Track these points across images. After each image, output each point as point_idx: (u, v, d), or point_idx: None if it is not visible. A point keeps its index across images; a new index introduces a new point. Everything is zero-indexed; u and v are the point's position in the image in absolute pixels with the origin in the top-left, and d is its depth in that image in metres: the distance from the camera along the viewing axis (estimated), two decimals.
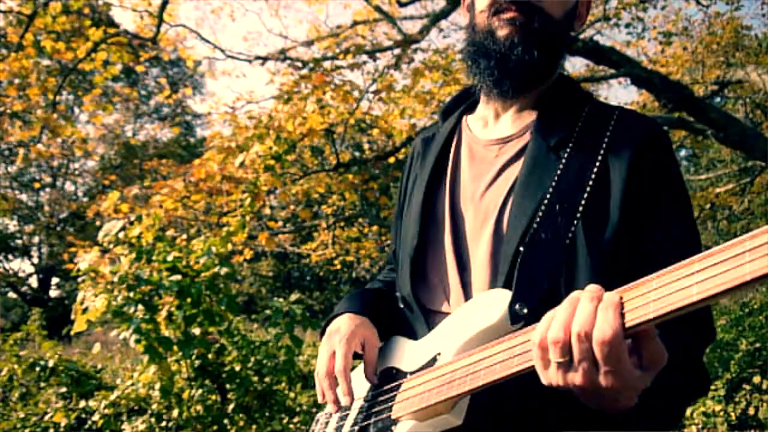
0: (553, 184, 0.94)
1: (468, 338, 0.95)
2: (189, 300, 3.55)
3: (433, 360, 1.00)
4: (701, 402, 5.66)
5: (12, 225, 23.14)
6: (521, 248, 0.92)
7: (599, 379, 0.68)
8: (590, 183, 0.93)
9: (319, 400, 1.10)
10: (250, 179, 5.03)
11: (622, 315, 0.66)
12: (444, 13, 7.67)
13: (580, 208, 0.92)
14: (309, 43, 8.21)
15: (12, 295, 24.11)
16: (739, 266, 0.56)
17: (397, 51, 7.23)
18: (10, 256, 23.80)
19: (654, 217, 0.93)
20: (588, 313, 0.68)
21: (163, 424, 3.69)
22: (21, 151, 7.55)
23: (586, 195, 0.92)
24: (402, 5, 7.61)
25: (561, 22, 1.04)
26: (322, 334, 1.17)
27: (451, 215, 1.08)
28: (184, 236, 4.75)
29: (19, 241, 23.89)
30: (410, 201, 1.18)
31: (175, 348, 3.51)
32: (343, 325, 1.10)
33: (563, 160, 0.96)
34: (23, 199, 22.81)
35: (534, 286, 0.89)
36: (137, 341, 3.37)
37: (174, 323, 3.54)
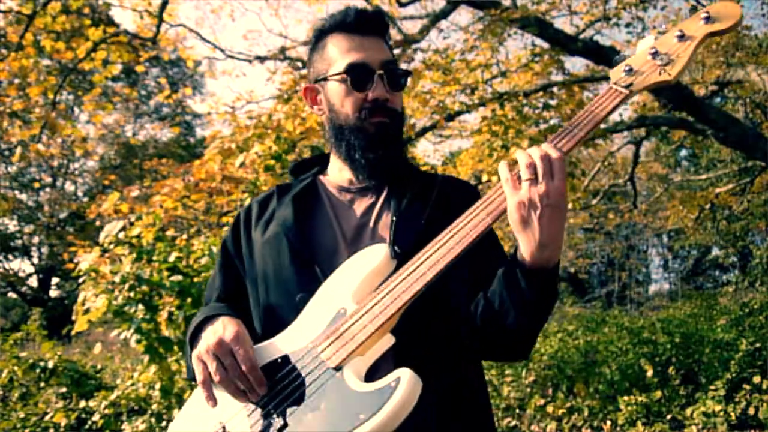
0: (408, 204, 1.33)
1: (360, 281, 1.17)
2: (189, 300, 3.55)
3: (339, 314, 1.17)
4: (701, 402, 5.67)
5: (12, 225, 23.14)
6: (393, 218, 1.28)
7: (554, 185, 1.06)
8: (429, 206, 1.33)
9: (211, 406, 1.17)
10: (250, 179, 5.03)
11: (558, 147, 1.13)
12: (444, 13, 7.67)
13: (427, 211, 1.31)
14: (309, 43, 8.20)
15: (12, 295, 24.10)
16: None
17: (397, 51, 7.22)
18: (10, 256, 23.81)
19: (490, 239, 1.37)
20: (542, 148, 1.11)
21: (164, 424, 3.69)
22: (18, 149, 7.53)
23: (430, 206, 1.32)
24: (402, 5, 7.61)
25: (403, 115, 1.39)
26: (192, 339, 1.26)
27: (347, 244, 1.31)
28: (184, 236, 4.74)
29: (19, 241, 23.89)
30: (270, 243, 1.36)
31: (176, 348, 3.51)
32: (229, 326, 1.21)
33: (407, 199, 1.34)
34: (23, 199, 22.81)
35: (404, 237, 1.24)
36: (138, 341, 3.37)
37: (174, 323, 3.54)
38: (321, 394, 1.12)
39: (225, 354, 1.16)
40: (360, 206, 1.36)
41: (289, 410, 1.13)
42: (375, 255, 1.20)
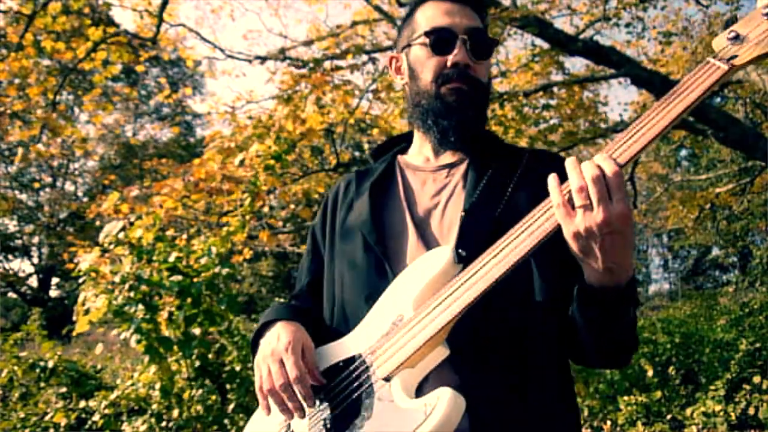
0: (486, 191, 1.24)
1: (422, 287, 1.09)
2: (189, 300, 3.55)
3: (396, 321, 1.11)
4: (701, 402, 5.66)
5: (12, 225, 23.13)
6: (462, 213, 1.20)
7: (614, 209, 0.92)
8: (510, 187, 1.24)
9: (266, 414, 1.18)
10: (250, 179, 5.03)
11: (614, 158, 0.95)
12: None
13: (506, 196, 1.22)
14: (309, 43, 8.21)
15: (12, 295, 24.09)
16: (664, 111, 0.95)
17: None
18: (10, 256, 23.81)
19: None
20: (593, 165, 0.94)
21: (164, 424, 3.69)
22: (20, 150, 7.53)
23: (508, 193, 1.22)
24: (402, 5, 7.60)
25: (487, 86, 1.33)
26: (254, 344, 1.27)
27: (415, 227, 1.25)
28: (184, 236, 4.74)
29: (19, 241, 23.89)
30: (346, 237, 1.34)
31: (176, 348, 3.51)
32: (283, 333, 1.19)
33: (486, 178, 1.25)
34: (23, 199, 22.80)
35: (471, 239, 1.16)
36: (138, 341, 3.37)
37: (174, 323, 3.54)
38: (369, 404, 1.10)
39: (275, 363, 1.16)
40: (433, 187, 1.30)
41: (341, 418, 1.12)
42: (438, 259, 1.12)
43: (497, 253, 1.02)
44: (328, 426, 1.13)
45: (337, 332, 1.25)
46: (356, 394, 1.11)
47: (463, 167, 1.30)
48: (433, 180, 1.31)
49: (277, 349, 1.17)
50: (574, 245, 0.97)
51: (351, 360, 1.16)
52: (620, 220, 0.92)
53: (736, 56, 0.93)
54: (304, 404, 1.14)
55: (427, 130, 1.31)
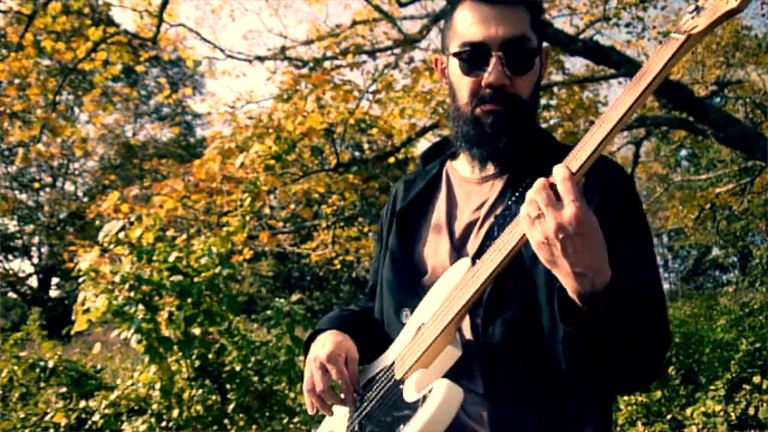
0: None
1: (444, 297, 1.10)
2: (189, 300, 3.55)
3: (418, 330, 1.14)
4: (701, 402, 5.67)
5: (12, 225, 23.14)
6: (492, 220, 1.18)
7: (567, 212, 0.90)
8: None
9: (311, 411, 1.23)
10: (250, 179, 5.03)
11: (567, 167, 0.94)
12: (444, 13, 7.66)
13: None
14: (309, 43, 8.21)
15: (12, 295, 24.10)
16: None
17: (397, 50, 7.22)
18: (10, 256, 23.80)
19: (625, 238, 1.10)
20: (542, 178, 0.95)
21: (164, 424, 3.69)
22: (20, 150, 7.54)
23: None
24: (402, 5, 7.61)
25: (530, 99, 1.21)
26: (306, 348, 1.32)
27: (450, 241, 1.24)
28: (184, 236, 4.74)
29: (19, 241, 23.89)
30: (386, 252, 1.35)
31: (176, 348, 3.51)
32: (328, 342, 1.23)
33: (525, 185, 1.16)
34: (23, 199, 22.81)
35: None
36: (138, 341, 3.37)
37: (174, 323, 3.54)
38: (388, 407, 1.13)
39: (318, 369, 1.21)
40: (477, 200, 1.25)
41: (368, 424, 1.17)
42: (460, 269, 1.13)
43: (488, 255, 1.03)
44: (356, 430, 1.19)
45: (382, 341, 1.28)
46: (382, 399, 1.15)
47: (506, 177, 1.24)
48: (478, 192, 1.26)
49: (320, 356, 1.21)
50: (540, 255, 0.95)
51: (383, 370, 1.21)
52: (574, 223, 0.89)
53: (696, 26, 0.91)
54: (342, 408, 1.20)
55: (465, 152, 1.27)
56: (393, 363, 1.17)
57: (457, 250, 1.21)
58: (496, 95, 1.16)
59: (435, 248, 1.25)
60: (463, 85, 1.20)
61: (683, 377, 6.43)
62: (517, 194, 1.16)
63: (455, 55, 1.19)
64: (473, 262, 1.09)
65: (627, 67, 6.63)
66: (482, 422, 1.10)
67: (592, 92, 7.58)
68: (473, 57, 1.17)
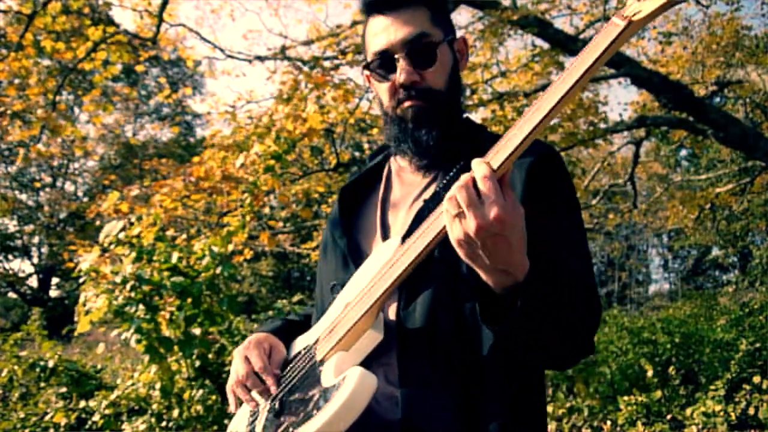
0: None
1: (372, 276, 1.10)
2: (190, 300, 3.55)
3: (343, 310, 1.15)
4: (701, 402, 5.67)
5: (12, 225, 23.14)
6: (422, 204, 1.18)
7: (486, 213, 0.90)
8: None
9: (233, 409, 1.26)
10: (250, 179, 5.03)
11: (487, 161, 0.94)
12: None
13: None
14: (309, 43, 8.21)
15: (12, 295, 24.09)
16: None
17: None
18: (10, 256, 23.80)
19: (552, 219, 1.13)
20: (466, 175, 0.94)
21: (164, 424, 3.69)
22: (21, 151, 7.54)
23: None
24: None
25: (448, 89, 1.26)
26: None
27: (382, 224, 1.29)
28: (184, 236, 4.74)
29: (19, 241, 23.88)
30: (324, 236, 1.40)
31: (176, 348, 3.51)
32: (251, 339, 1.30)
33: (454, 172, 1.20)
34: (23, 199, 22.80)
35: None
36: (138, 341, 3.37)
37: (175, 323, 3.54)
38: (306, 387, 1.13)
39: (239, 359, 1.25)
40: (410, 186, 1.31)
41: (288, 403, 1.16)
42: (388, 248, 1.14)
43: (414, 238, 1.05)
44: (277, 411, 1.18)
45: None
46: (301, 380, 1.17)
47: (437, 168, 1.29)
48: (413, 180, 1.32)
49: (240, 350, 1.27)
50: (459, 252, 0.96)
51: (306, 347, 1.22)
52: (495, 224, 0.89)
53: (639, 12, 0.86)
54: (267, 393, 1.20)
55: (397, 152, 1.33)
56: (317, 341, 1.19)
57: (388, 230, 1.27)
58: (411, 92, 1.23)
59: (370, 232, 1.30)
60: (383, 91, 1.28)
61: (683, 377, 6.43)
62: (447, 179, 1.17)
63: (368, 66, 1.28)
64: (402, 242, 1.10)
65: (627, 67, 6.63)
66: (395, 408, 1.10)
67: (592, 92, 7.57)
68: (382, 64, 1.25)
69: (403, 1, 1.25)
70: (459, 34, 1.38)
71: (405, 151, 1.28)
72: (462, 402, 1.08)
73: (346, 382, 1.02)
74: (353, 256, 1.26)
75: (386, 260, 1.10)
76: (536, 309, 0.97)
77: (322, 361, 1.13)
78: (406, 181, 1.33)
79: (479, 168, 0.92)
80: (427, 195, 1.24)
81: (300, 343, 1.27)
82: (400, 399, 1.10)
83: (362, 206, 1.36)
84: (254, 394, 1.22)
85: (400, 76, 1.22)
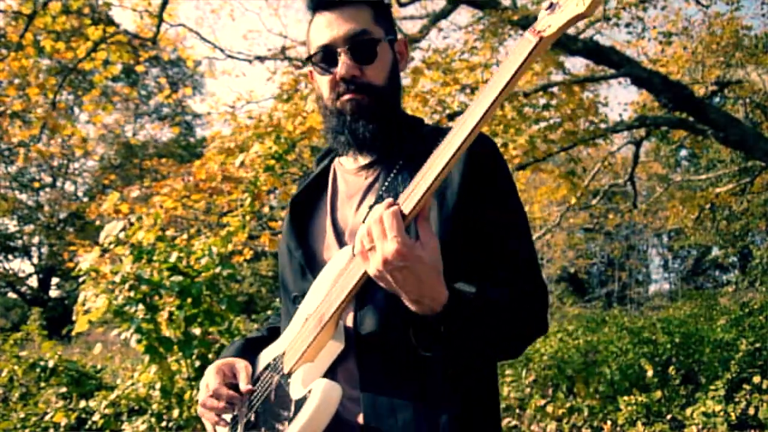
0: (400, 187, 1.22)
1: (328, 287, 1.14)
2: (189, 300, 3.55)
3: (306, 320, 1.18)
4: (701, 402, 5.67)
5: (12, 225, 23.14)
6: (368, 209, 1.20)
7: (389, 248, 0.96)
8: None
9: (210, 430, 1.30)
10: (250, 179, 5.03)
11: (396, 204, 1.00)
12: (444, 13, 7.67)
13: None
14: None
15: (12, 295, 24.10)
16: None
17: None
18: (10, 256, 23.80)
19: (491, 205, 1.20)
20: (377, 210, 1.00)
21: (164, 424, 3.69)
22: (21, 151, 7.54)
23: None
24: (402, 5, 7.61)
25: (387, 86, 1.29)
26: None
27: (334, 229, 1.30)
28: (185, 236, 4.74)
29: (19, 241, 23.89)
30: (280, 245, 1.42)
31: (176, 348, 3.51)
32: (209, 368, 1.34)
33: (394, 174, 1.25)
34: (23, 199, 22.81)
35: None
36: (138, 341, 3.37)
37: (174, 323, 3.54)
38: (277, 400, 1.17)
39: (202, 387, 1.31)
40: (354, 188, 1.33)
41: (258, 417, 1.20)
42: (341, 258, 1.17)
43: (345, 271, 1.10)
44: (253, 423, 1.21)
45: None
46: (269, 394, 1.20)
47: (380, 166, 1.31)
48: (355, 182, 1.33)
49: (204, 377, 1.33)
50: (380, 284, 1.02)
51: (275, 359, 1.25)
52: (397, 257, 0.96)
53: (548, 27, 0.89)
54: (232, 412, 1.25)
55: (336, 145, 1.34)
56: (284, 353, 1.22)
57: (339, 239, 1.28)
58: (350, 86, 1.26)
59: (323, 238, 1.32)
60: (323, 84, 1.30)
61: (683, 377, 6.43)
62: (386, 184, 1.23)
63: (310, 59, 1.31)
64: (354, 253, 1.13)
65: (627, 67, 6.63)
66: (357, 408, 1.15)
67: (592, 92, 7.58)
68: (324, 58, 1.28)
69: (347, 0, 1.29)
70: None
71: (342, 143, 1.30)
72: (420, 400, 1.13)
73: (312, 395, 1.07)
74: (310, 265, 1.28)
75: (339, 271, 1.13)
76: (465, 333, 1.03)
77: (289, 374, 1.17)
78: (349, 182, 1.35)
79: (386, 206, 0.99)
80: (370, 198, 1.28)
81: (268, 355, 1.30)
82: (362, 401, 1.14)
83: (314, 212, 1.38)
84: (230, 409, 1.26)
85: (341, 69, 1.25)
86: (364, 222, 1.04)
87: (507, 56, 0.93)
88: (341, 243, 1.27)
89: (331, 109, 1.30)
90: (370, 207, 1.16)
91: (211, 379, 1.29)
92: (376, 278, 1.01)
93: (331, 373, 1.16)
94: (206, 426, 1.32)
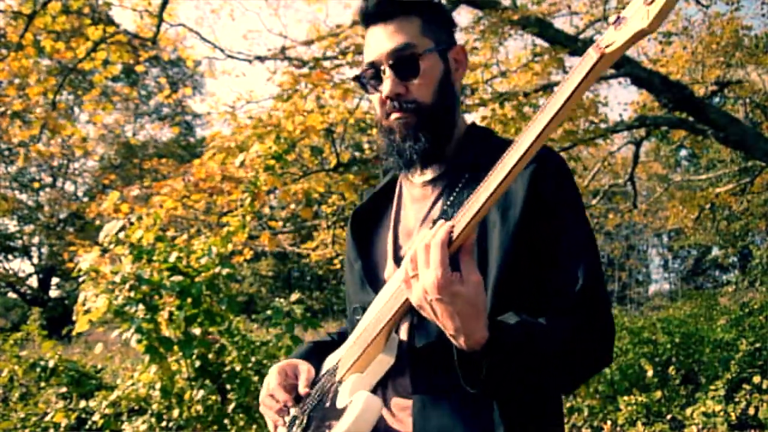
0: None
1: (381, 305, 1.14)
2: (189, 300, 3.55)
3: (360, 335, 1.20)
4: (701, 402, 5.67)
5: (12, 225, 23.14)
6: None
7: (430, 279, 0.93)
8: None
9: (272, 430, 1.32)
10: (250, 179, 5.03)
11: (448, 230, 0.96)
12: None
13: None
14: (309, 43, 8.20)
15: (12, 295, 24.10)
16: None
17: None
18: (10, 256, 23.80)
19: (553, 225, 1.13)
20: (425, 236, 0.97)
21: (164, 424, 3.69)
22: (21, 151, 7.54)
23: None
24: None
25: (434, 101, 1.23)
26: None
27: (393, 246, 1.29)
28: (185, 236, 4.74)
29: (19, 241, 23.88)
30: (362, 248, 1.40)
31: (176, 348, 3.51)
32: (274, 366, 1.35)
33: (458, 188, 1.21)
34: (23, 199, 22.80)
35: None
36: (138, 341, 3.37)
37: (174, 323, 3.54)
38: (327, 405, 1.19)
39: (264, 385, 1.33)
40: (419, 203, 1.29)
41: (312, 420, 1.22)
42: (397, 278, 1.15)
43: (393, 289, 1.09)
44: (305, 426, 1.23)
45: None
46: (323, 399, 1.22)
47: (446, 179, 1.27)
48: (420, 196, 1.30)
49: (267, 376, 1.33)
50: (421, 312, 1.00)
51: (331, 368, 1.28)
52: (434, 290, 0.93)
53: (613, 43, 0.86)
54: (287, 412, 1.27)
55: (388, 162, 1.31)
56: (340, 360, 1.24)
57: (397, 254, 1.26)
58: (396, 104, 1.23)
59: (383, 251, 1.30)
60: (375, 102, 1.27)
61: (683, 377, 6.43)
62: (451, 198, 1.19)
63: (358, 78, 1.28)
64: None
65: (627, 67, 6.63)
66: (408, 421, 1.13)
67: (593, 92, 7.58)
68: (372, 76, 1.25)
69: (395, 12, 1.24)
70: (459, 34, 1.36)
71: (392, 163, 1.28)
72: (473, 418, 1.09)
73: (352, 406, 1.09)
74: (368, 277, 1.28)
75: (395, 289, 1.11)
76: (507, 373, 0.99)
77: (340, 382, 1.19)
78: (415, 197, 1.31)
79: (436, 233, 0.96)
80: (434, 213, 1.24)
81: (330, 360, 1.32)
82: (413, 414, 1.12)
83: (378, 224, 1.35)
84: (285, 410, 1.28)
85: (385, 87, 1.22)
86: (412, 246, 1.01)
87: (569, 74, 0.90)
88: (398, 258, 1.25)
89: (382, 128, 1.28)
90: (434, 222, 1.13)
91: (272, 378, 1.30)
92: (417, 307, 0.99)
93: (384, 384, 1.16)
94: (267, 423, 1.33)
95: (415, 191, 1.31)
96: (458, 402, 1.09)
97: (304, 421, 1.22)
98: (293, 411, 1.26)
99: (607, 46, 0.86)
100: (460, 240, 0.96)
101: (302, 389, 1.25)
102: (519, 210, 1.12)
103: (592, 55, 0.87)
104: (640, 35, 0.83)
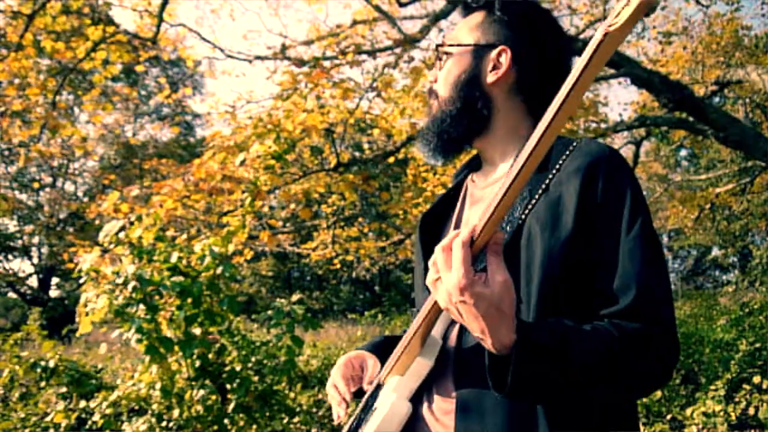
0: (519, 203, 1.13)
1: (422, 307, 1.12)
2: (190, 300, 3.55)
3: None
4: (701, 402, 5.67)
5: (12, 225, 23.13)
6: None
7: (451, 280, 0.91)
8: (537, 196, 1.10)
9: (336, 420, 1.31)
10: (250, 179, 5.03)
11: (471, 230, 0.93)
12: (444, 13, 7.67)
13: (526, 212, 1.09)
14: (309, 43, 8.21)
15: (12, 295, 24.10)
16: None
17: (397, 50, 7.22)
18: (10, 256, 23.80)
19: (608, 227, 1.05)
20: (449, 237, 0.94)
21: (164, 424, 3.69)
22: (22, 151, 7.54)
23: (531, 205, 1.09)
24: (402, 5, 7.61)
25: (448, 96, 1.24)
26: None
27: None
28: (185, 236, 4.74)
29: (19, 241, 23.88)
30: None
31: (176, 348, 3.51)
32: (343, 357, 1.34)
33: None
34: (23, 199, 22.80)
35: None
36: (139, 341, 3.38)
37: (175, 323, 3.54)
38: (372, 405, 1.20)
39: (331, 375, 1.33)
40: (480, 206, 1.25)
41: (362, 420, 1.22)
42: None
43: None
44: (356, 426, 1.24)
45: None
46: (372, 398, 1.22)
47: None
48: (481, 197, 1.27)
49: (335, 366, 1.33)
50: (450, 315, 0.98)
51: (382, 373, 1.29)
52: (456, 291, 0.90)
53: (615, 22, 0.80)
54: (346, 404, 1.27)
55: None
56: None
57: None
58: (430, 90, 1.31)
59: None
60: None
61: (683, 377, 6.43)
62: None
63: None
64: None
65: (627, 67, 6.63)
66: (451, 424, 1.10)
67: (593, 92, 7.58)
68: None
69: (471, 6, 1.30)
70: None
71: (417, 143, 1.34)
72: (517, 418, 1.04)
73: (379, 410, 1.10)
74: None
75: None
76: (538, 381, 0.93)
77: (381, 384, 1.19)
78: (475, 197, 1.29)
79: (458, 233, 0.93)
80: None
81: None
82: (454, 418, 1.09)
83: (443, 227, 1.34)
84: (345, 404, 1.29)
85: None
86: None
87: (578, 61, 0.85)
88: None
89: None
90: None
91: (337, 368, 1.30)
92: (445, 309, 0.97)
93: (428, 387, 1.14)
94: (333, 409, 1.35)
95: (477, 192, 1.30)
96: (501, 406, 1.04)
97: (355, 420, 1.23)
98: (352, 406, 1.27)
99: (610, 25, 0.81)
100: (482, 239, 0.92)
101: (365, 385, 1.25)
102: (573, 214, 1.05)
103: (597, 36, 0.82)
104: (643, 6, 0.77)
